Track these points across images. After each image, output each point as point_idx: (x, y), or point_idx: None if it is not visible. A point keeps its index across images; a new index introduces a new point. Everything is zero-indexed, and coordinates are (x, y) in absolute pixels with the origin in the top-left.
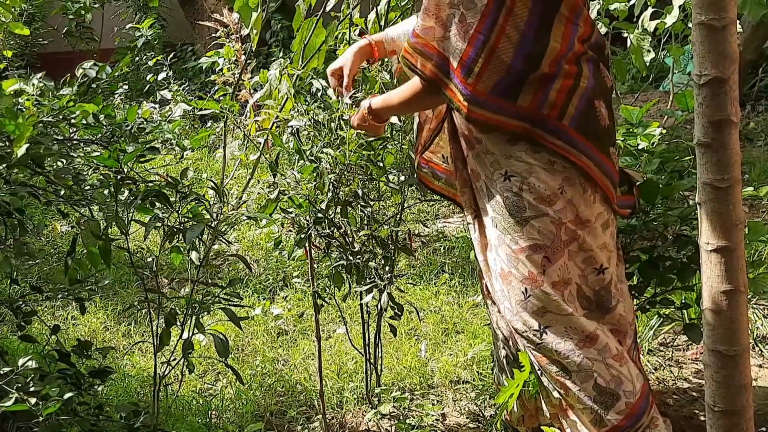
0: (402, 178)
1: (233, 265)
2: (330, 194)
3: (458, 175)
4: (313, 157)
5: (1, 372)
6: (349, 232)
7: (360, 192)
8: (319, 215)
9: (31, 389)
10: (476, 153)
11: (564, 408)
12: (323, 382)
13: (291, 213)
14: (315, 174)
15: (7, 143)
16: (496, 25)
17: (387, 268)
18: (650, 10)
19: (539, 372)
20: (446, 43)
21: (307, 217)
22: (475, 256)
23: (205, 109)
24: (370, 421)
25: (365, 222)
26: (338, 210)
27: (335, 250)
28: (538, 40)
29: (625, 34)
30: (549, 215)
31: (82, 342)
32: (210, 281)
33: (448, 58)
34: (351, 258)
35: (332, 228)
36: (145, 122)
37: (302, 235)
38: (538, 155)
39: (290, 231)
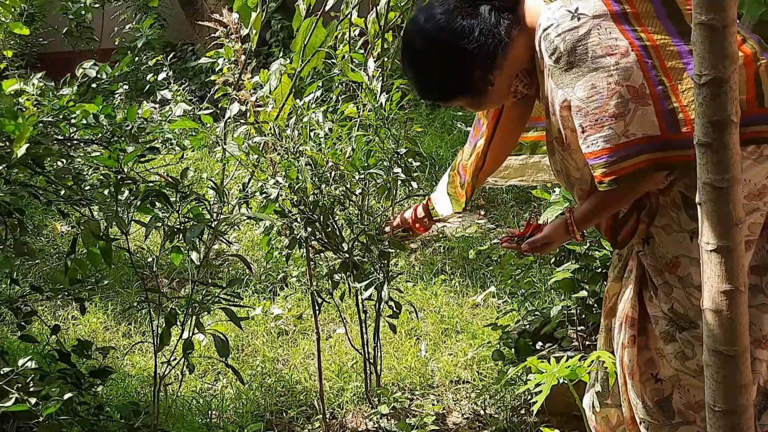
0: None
1: (233, 265)
2: (313, 195)
3: None
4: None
5: (1, 372)
6: (336, 231)
7: (344, 189)
8: (310, 217)
9: (32, 389)
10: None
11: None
12: (323, 382)
13: (290, 215)
14: (298, 176)
15: (7, 143)
16: (657, 68)
17: (384, 263)
18: None
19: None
20: (633, 125)
21: (299, 219)
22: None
23: (207, 109)
24: (370, 421)
25: (355, 221)
26: (319, 210)
27: (329, 249)
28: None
29: None
30: (759, 209)
31: (82, 342)
32: (210, 281)
33: (651, 136)
34: (347, 255)
35: (319, 229)
36: (145, 122)
37: (294, 236)
38: (747, 151)
39: (283, 229)
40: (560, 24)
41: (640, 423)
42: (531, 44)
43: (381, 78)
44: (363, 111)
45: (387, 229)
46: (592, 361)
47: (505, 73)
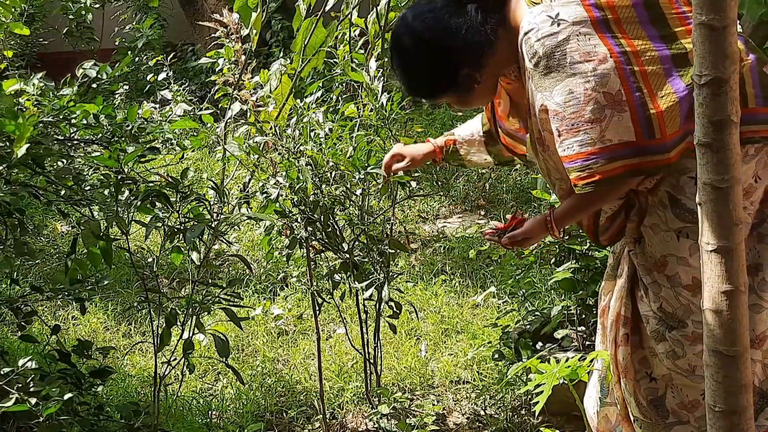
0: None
1: (233, 265)
2: (313, 195)
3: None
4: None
5: (2, 372)
6: (337, 231)
7: (344, 189)
8: (311, 217)
9: (32, 389)
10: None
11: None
12: (323, 382)
13: (290, 215)
14: (299, 176)
15: (8, 143)
16: (636, 73)
17: (383, 264)
18: None
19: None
20: (609, 131)
21: (299, 219)
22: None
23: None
24: (370, 421)
25: (356, 221)
26: (320, 210)
27: (329, 249)
28: (671, 46)
29: None
30: (747, 208)
31: (82, 342)
32: (210, 281)
33: (626, 142)
34: (348, 255)
35: (320, 229)
36: (145, 122)
37: (295, 236)
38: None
39: (284, 229)
40: (540, 29)
41: (634, 421)
42: (515, 45)
43: (382, 78)
44: (363, 111)
45: (387, 158)
46: (591, 361)
47: (491, 71)
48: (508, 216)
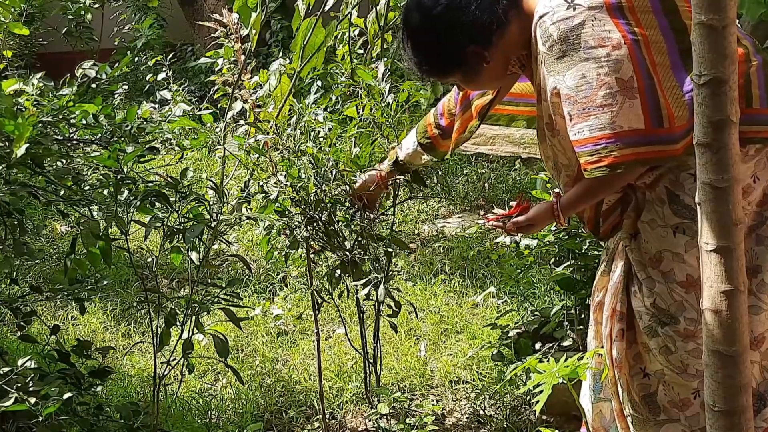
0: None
1: (233, 265)
2: (314, 195)
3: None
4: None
5: (1, 372)
6: (338, 230)
7: (344, 188)
8: (312, 216)
9: (31, 389)
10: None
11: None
12: (323, 382)
13: (290, 215)
14: (300, 174)
15: (7, 143)
16: (646, 62)
17: (384, 261)
18: None
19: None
20: (620, 117)
21: (300, 219)
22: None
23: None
24: (369, 421)
25: (356, 220)
26: (321, 209)
27: (328, 249)
28: (681, 40)
29: None
30: (744, 208)
31: (81, 342)
32: (209, 281)
33: (636, 129)
34: (348, 254)
35: (320, 228)
36: (144, 122)
37: (295, 236)
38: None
39: (284, 229)
40: (556, 12)
41: (627, 417)
42: (528, 29)
43: (389, 80)
44: (364, 111)
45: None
46: (589, 358)
47: (501, 52)
48: (512, 203)
